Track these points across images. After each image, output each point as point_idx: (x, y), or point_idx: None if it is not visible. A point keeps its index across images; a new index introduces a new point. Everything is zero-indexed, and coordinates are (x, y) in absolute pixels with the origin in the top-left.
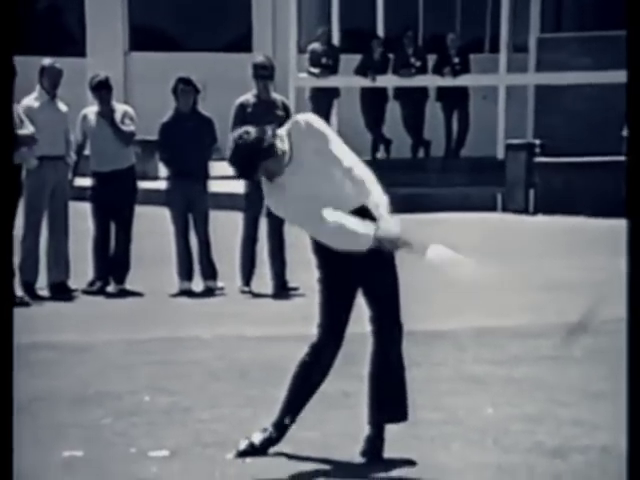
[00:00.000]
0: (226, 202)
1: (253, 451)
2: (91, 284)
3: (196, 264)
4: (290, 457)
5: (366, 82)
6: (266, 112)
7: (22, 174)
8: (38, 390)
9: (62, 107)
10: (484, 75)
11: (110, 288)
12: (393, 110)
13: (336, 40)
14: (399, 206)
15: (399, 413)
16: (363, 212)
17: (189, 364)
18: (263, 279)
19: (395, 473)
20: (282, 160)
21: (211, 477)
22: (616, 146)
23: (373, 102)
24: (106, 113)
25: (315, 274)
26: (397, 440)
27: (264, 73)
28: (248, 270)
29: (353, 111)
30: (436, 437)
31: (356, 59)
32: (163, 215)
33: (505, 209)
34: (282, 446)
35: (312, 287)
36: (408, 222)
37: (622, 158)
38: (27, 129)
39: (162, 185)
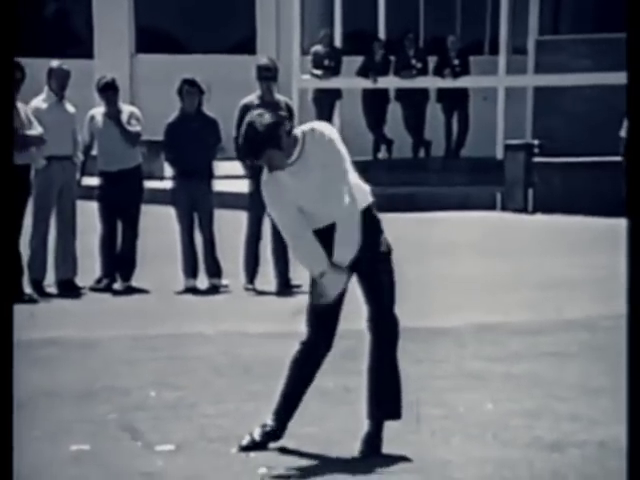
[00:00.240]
0: (230, 201)
1: (255, 446)
2: (98, 281)
3: (201, 262)
4: (292, 452)
5: (368, 83)
6: None
7: (31, 174)
8: (46, 385)
9: (70, 108)
10: (484, 77)
11: (117, 285)
12: (394, 111)
13: (338, 42)
14: (400, 205)
15: (395, 410)
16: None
17: (194, 360)
18: (267, 277)
19: (395, 468)
20: (287, 156)
21: (216, 471)
22: (614, 146)
23: (375, 103)
24: (113, 114)
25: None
26: (398, 435)
27: (268, 75)
28: (252, 268)
29: (355, 112)
30: (437, 432)
31: (358, 61)
32: (169, 214)
33: (504, 208)
34: (284, 441)
35: None
36: (409, 221)
37: (619, 158)
38: (36, 130)
39: (168, 184)
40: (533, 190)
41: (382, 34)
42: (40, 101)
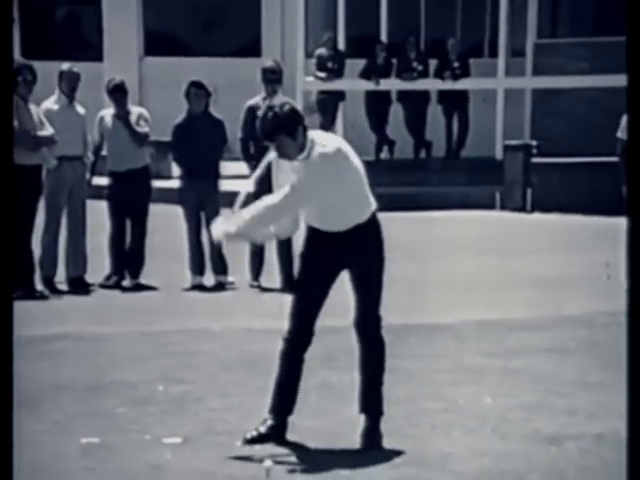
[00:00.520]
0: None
1: (259, 439)
2: (107, 278)
3: (208, 259)
4: (296, 445)
5: (370, 85)
6: None
7: (42, 174)
8: (57, 379)
9: (80, 110)
10: (483, 79)
11: (126, 282)
12: (396, 112)
13: (342, 45)
14: (402, 204)
15: (377, 407)
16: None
17: (200, 355)
18: (271, 274)
19: (396, 461)
20: (298, 149)
21: (222, 463)
22: (611, 147)
23: (377, 105)
24: (122, 115)
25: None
26: (399, 428)
27: (273, 77)
28: (257, 265)
29: (358, 113)
30: (437, 425)
31: (361, 63)
32: (176, 213)
33: (503, 207)
34: (288, 435)
35: None
36: (410, 220)
37: (616, 159)
38: (47, 131)
39: (175, 184)
40: (532, 190)
41: (384, 37)
42: (51, 103)
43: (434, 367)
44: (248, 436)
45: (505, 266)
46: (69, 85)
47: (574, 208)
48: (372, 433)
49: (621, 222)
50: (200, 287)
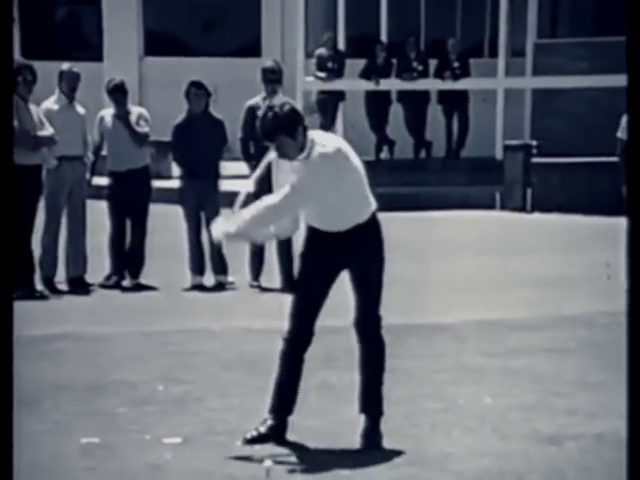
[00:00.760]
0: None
1: (259, 439)
2: (107, 278)
3: (208, 259)
4: (296, 445)
5: (370, 85)
6: None
7: (42, 174)
8: (57, 379)
9: (80, 110)
10: (483, 79)
11: (126, 282)
12: (396, 112)
13: (342, 45)
14: (402, 204)
15: (378, 407)
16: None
17: (200, 355)
18: (271, 274)
19: (396, 460)
20: (298, 149)
21: (222, 463)
22: (610, 147)
23: (377, 105)
24: (122, 115)
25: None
26: (399, 428)
27: (273, 77)
28: (257, 265)
29: (358, 113)
30: (437, 425)
31: (361, 64)
32: (176, 213)
33: (503, 207)
34: (288, 435)
35: None
36: (410, 220)
37: (616, 159)
38: (47, 131)
39: (175, 184)
40: (531, 189)
41: (384, 37)
42: (51, 103)
43: (434, 367)
44: (248, 436)
45: (505, 266)
46: (69, 85)
47: (574, 208)
48: (372, 433)
49: (621, 222)
50: (200, 287)
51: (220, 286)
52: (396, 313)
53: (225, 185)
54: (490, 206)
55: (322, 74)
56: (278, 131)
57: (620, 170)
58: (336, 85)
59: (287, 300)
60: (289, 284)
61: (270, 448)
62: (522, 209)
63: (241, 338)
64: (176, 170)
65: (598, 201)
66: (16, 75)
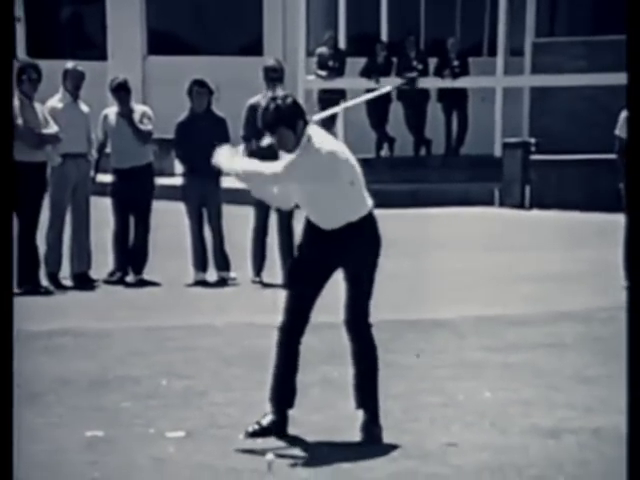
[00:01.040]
0: (238, 197)
1: (261, 432)
2: (111, 274)
3: (210, 256)
4: (298, 439)
5: (371, 84)
6: None
7: (47, 171)
8: (62, 374)
9: (84, 108)
10: (482, 77)
11: (129, 278)
12: (396, 110)
13: (342, 44)
14: (402, 201)
15: (374, 401)
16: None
17: (203, 350)
18: (273, 270)
19: (396, 454)
20: (297, 142)
21: (224, 457)
22: (608, 144)
23: (377, 103)
24: (125, 113)
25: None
26: (398, 422)
27: (274, 76)
28: (259, 261)
29: (358, 111)
30: (437, 419)
31: (361, 62)
32: (179, 209)
33: (502, 204)
34: (290, 429)
35: None
36: (410, 216)
37: (614, 156)
38: (52, 128)
39: (178, 181)
40: (530, 186)
41: (384, 36)
42: (56, 101)
43: (434, 362)
44: (250, 430)
45: (504, 262)
46: (73, 83)
47: (572, 205)
48: (371, 427)
49: (619, 219)
50: (203, 283)
51: (222, 282)
52: (396, 309)
53: (227, 182)
54: (489, 203)
55: (323, 72)
56: (279, 123)
57: (618, 167)
58: (337, 83)
59: None
60: None
61: (272, 442)
62: (521, 206)
63: (243, 333)
64: (179, 167)
65: (596, 198)
66: (21, 74)
